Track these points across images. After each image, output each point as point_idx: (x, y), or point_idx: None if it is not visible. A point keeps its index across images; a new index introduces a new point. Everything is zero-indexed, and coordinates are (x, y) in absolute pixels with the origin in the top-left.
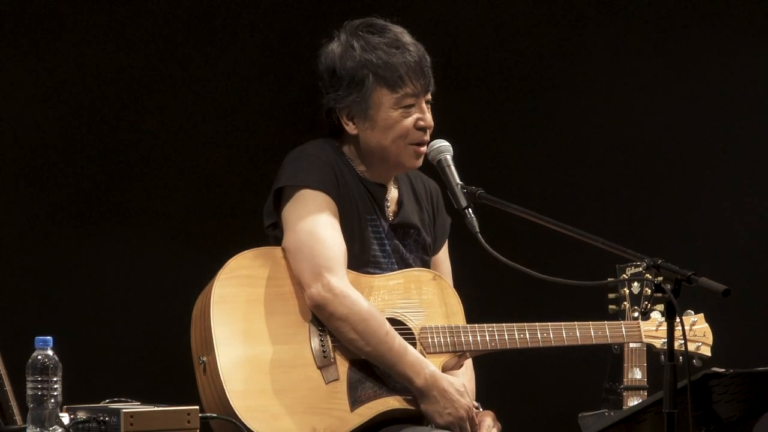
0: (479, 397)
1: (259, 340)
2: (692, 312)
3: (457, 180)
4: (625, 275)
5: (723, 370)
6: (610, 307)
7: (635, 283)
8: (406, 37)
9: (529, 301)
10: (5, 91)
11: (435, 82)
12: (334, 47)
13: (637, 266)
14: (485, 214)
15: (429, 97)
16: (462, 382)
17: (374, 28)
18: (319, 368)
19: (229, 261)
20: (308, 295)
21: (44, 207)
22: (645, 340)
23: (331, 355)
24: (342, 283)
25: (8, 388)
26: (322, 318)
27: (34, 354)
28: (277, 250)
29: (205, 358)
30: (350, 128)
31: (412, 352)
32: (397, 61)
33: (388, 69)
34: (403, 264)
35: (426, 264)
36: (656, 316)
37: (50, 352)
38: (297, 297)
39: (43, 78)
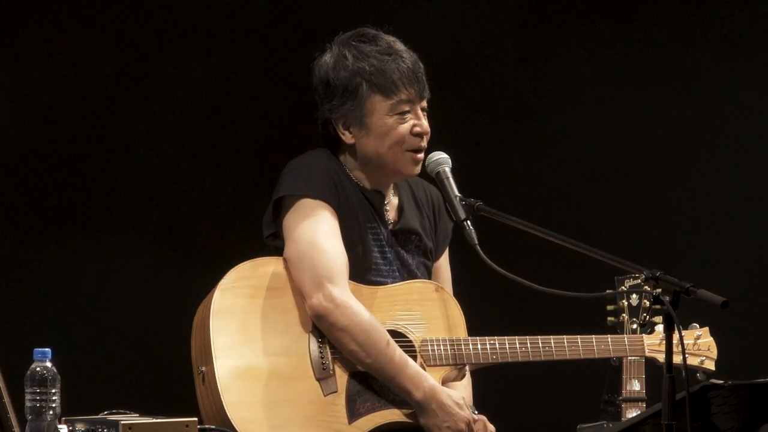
0: (478, 408)
1: (258, 350)
2: (697, 325)
3: (456, 192)
4: (623, 287)
5: (721, 381)
6: (609, 319)
7: (634, 295)
8: (399, 45)
9: (528, 313)
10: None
11: (435, 95)
12: (327, 59)
13: (635, 278)
14: (484, 226)
15: (425, 104)
16: (461, 394)
17: (366, 38)
18: (318, 380)
19: (230, 271)
20: (309, 305)
21: (42, 218)
22: (648, 354)
23: (331, 367)
24: (343, 294)
25: (7, 400)
26: (323, 329)
27: (33, 366)
28: (278, 261)
29: (203, 368)
30: (347, 138)
31: (412, 365)
32: (390, 68)
33: (381, 76)
34: (405, 270)
35: (428, 269)
36: (660, 329)
37: (49, 364)
38: (297, 308)
39: (39, 80)
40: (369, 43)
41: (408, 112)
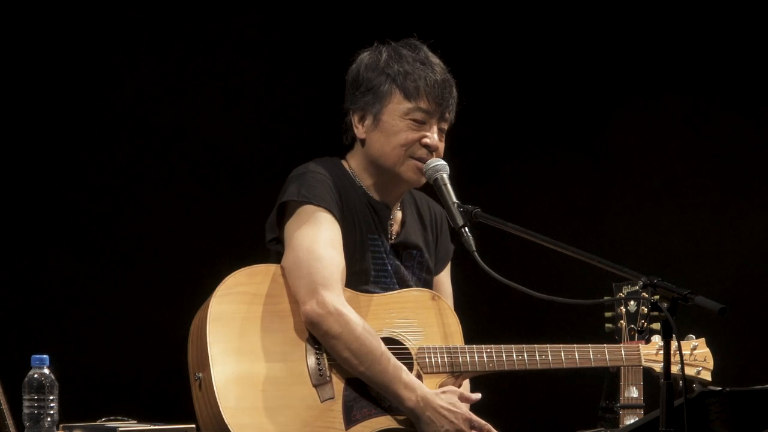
0: (477, 413)
1: (254, 357)
2: (693, 336)
3: (454, 199)
4: (621, 294)
5: (719, 388)
6: (607, 325)
7: (632, 302)
8: (437, 60)
9: (526, 319)
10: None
11: None
12: (365, 55)
13: (633, 285)
14: (481, 233)
15: (444, 126)
16: (453, 389)
17: (408, 45)
18: (315, 386)
19: (226, 278)
20: (303, 312)
21: (40, 224)
22: (644, 363)
23: (327, 373)
24: (337, 301)
25: (5, 406)
26: (317, 335)
27: (31, 372)
28: (275, 268)
29: (200, 375)
30: (359, 131)
31: (406, 374)
32: (419, 74)
33: (407, 78)
34: (403, 284)
35: (428, 285)
36: (657, 339)
37: (46, 371)
38: (294, 315)
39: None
40: (409, 49)
41: (423, 123)
